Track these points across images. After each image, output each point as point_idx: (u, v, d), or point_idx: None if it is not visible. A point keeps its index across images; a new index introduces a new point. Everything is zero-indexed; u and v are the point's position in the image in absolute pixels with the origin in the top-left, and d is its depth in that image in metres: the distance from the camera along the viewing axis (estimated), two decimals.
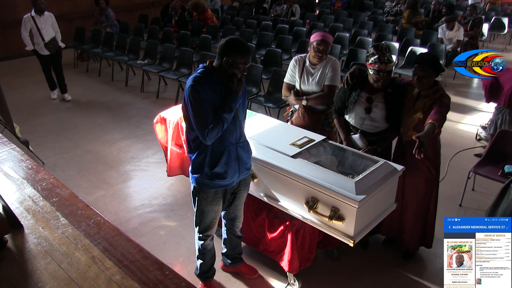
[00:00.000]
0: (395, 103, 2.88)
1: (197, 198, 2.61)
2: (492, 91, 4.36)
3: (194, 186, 2.57)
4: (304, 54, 3.37)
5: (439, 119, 2.59)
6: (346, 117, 3.05)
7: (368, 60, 2.80)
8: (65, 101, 6.60)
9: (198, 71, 2.36)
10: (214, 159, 2.41)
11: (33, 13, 6.14)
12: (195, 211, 2.70)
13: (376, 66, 2.74)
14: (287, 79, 3.43)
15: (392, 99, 2.88)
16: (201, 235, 2.77)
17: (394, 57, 2.96)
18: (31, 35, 6.22)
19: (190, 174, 2.54)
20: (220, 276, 3.10)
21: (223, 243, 3.04)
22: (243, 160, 2.50)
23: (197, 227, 2.75)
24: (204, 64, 2.39)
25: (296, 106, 3.44)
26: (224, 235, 3.00)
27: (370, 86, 2.91)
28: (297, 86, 3.36)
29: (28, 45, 6.28)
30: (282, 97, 3.58)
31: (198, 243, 2.82)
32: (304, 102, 3.29)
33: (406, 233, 3.15)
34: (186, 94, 2.31)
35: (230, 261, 3.06)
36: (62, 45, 6.47)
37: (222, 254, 3.08)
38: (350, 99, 2.97)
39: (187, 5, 9.10)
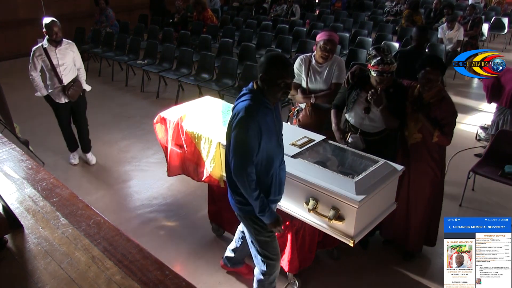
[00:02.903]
0: (395, 103, 2.88)
1: (253, 229, 2.39)
2: (493, 92, 4.36)
3: (248, 217, 2.35)
4: (309, 54, 3.42)
5: (444, 132, 2.76)
6: (346, 116, 3.06)
7: (370, 62, 2.77)
8: (89, 165, 4.72)
9: (247, 98, 2.13)
10: (263, 188, 2.25)
11: (45, 43, 4.18)
12: (254, 245, 2.46)
13: (380, 67, 2.72)
14: None
15: (393, 99, 2.87)
16: (273, 270, 2.49)
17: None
18: (43, 75, 4.37)
19: (237, 206, 2.35)
20: (220, 275, 3.10)
21: (232, 250, 2.93)
22: (283, 182, 2.41)
23: (266, 262, 2.45)
24: (251, 87, 2.18)
25: (302, 105, 3.47)
26: (237, 245, 2.88)
27: (370, 86, 2.90)
28: (304, 85, 3.39)
29: (40, 90, 4.33)
30: (289, 96, 3.57)
31: (269, 278, 2.53)
32: (312, 100, 3.33)
33: (411, 234, 3.14)
34: (235, 124, 2.10)
35: (232, 263, 3.03)
36: (87, 87, 4.56)
37: (226, 257, 3.02)
38: (350, 98, 2.97)
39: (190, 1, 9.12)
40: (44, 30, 4.12)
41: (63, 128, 4.58)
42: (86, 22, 9.23)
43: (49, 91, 4.32)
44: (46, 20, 4.12)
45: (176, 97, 6.47)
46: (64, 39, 4.24)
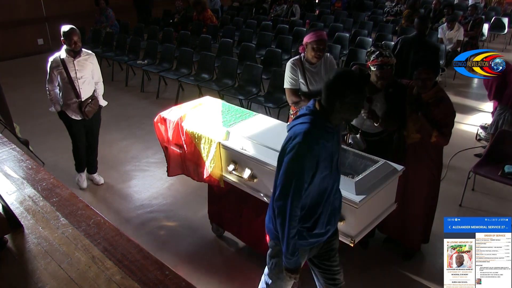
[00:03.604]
0: (396, 103, 2.88)
1: (276, 260, 2.15)
2: (497, 90, 4.36)
3: (280, 249, 2.07)
4: (298, 57, 3.33)
5: (443, 133, 2.76)
6: None
7: (370, 58, 2.80)
8: (97, 185, 4.34)
9: (307, 121, 1.89)
10: (310, 220, 2.02)
11: (63, 53, 3.77)
12: (268, 272, 2.25)
13: (379, 60, 2.74)
14: (289, 85, 3.34)
15: (393, 99, 2.87)
16: None
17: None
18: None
19: (276, 234, 2.08)
20: (220, 275, 3.10)
21: None
22: (338, 211, 2.18)
23: None
24: (312, 108, 1.93)
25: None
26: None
27: (370, 86, 2.90)
28: (304, 89, 3.33)
29: (55, 105, 3.91)
30: (290, 104, 3.50)
31: None
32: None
33: (408, 233, 3.16)
34: (289, 149, 1.87)
35: None
36: (104, 103, 4.15)
37: None
38: None
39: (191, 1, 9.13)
40: (62, 38, 3.72)
41: (77, 147, 4.11)
42: (86, 22, 9.22)
43: (64, 104, 3.91)
44: (65, 28, 3.71)
45: (176, 97, 6.47)
46: (83, 49, 3.84)
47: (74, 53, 3.75)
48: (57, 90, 3.88)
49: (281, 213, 1.91)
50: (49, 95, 3.89)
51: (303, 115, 1.94)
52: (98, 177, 4.37)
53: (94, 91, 3.98)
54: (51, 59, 3.79)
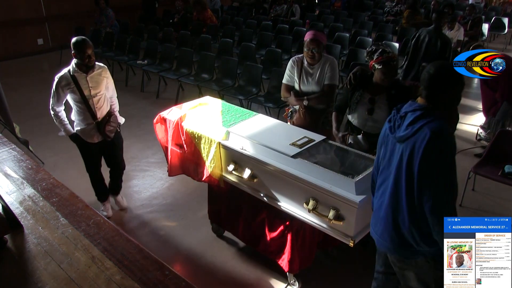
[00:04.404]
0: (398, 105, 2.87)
1: (428, 268, 2.06)
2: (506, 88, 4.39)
3: (424, 259, 2.00)
4: (301, 55, 3.39)
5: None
6: (349, 117, 3.05)
7: (373, 57, 2.79)
8: (120, 210, 3.90)
9: (433, 118, 1.84)
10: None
11: (73, 69, 3.23)
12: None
13: (384, 56, 2.74)
14: (285, 80, 3.46)
15: (396, 100, 2.87)
16: None
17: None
18: (67, 109, 3.39)
19: (412, 249, 2.00)
20: (220, 275, 3.10)
21: None
22: None
23: None
24: (422, 105, 1.89)
25: (296, 107, 3.45)
26: None
27: (373, 87, 2.90)
28: (297, 87, 3.37)
29: (65, 129, 3.37)
30: (282, 98, 3.59)
31: None
32: (305, 102, 3.30)
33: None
34: (438, 147, 1.80)
35: None
36: (122, 120, 3.67)
37: None
38: (353, 99, 2.97)
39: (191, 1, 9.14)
40: (72, 52, 3.18)
41: (93, 174, 3.62)
42: (86, 22, 9.24)
43: (77, 128, 3.37)
44: (76, 39, 3.20)
45: (176, 97, 6.47)
46: (96, 62, 3.31)
47: (87, 68, 3.23)
48: (64, 112, 3.36)
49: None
50: (56, 119, 3.33)
51: (423, 115, 1.87)
52: (121, 199, 3.87)
53: (110, 107, 3.51)
54: (58, 76, 3.23)
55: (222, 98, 4.68)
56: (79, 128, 3.37)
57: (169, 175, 3.42)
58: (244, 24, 8.88)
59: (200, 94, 5.85)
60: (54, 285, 1.73)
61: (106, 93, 3.42)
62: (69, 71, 3.24)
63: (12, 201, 2.25)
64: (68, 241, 1.96)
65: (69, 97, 3.29)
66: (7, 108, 4.19)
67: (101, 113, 3.38)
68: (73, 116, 3.39)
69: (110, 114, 3.45)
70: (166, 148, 3.33)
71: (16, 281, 1.78)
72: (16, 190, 2.36)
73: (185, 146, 3.13)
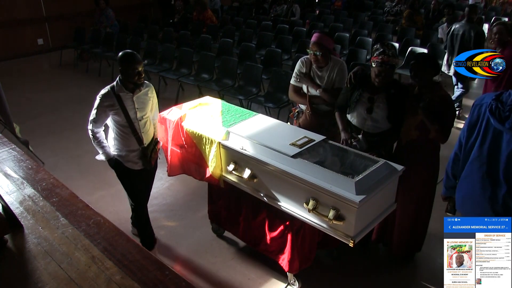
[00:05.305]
0: (397, 104, 2.88)
1: None
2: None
3: None
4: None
5: (443, 127, 2.75)
6: (348, 116, 3.05)
7: (373, 54, 2.82)
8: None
9: None
10: None
11: (118, 86, 2.82)
12: None
13: (380, 57, 2.75)
14: (293, 81, 3.38)
15: (394, 100, 2.87)
16: None
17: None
18: (105, 132, 3.01)
19: None
20: (220, 275, 3.10)
21: None
22: None
23: None
24: None
25: (303, 107, 3.43)
26: None
27: (372, 86, 2.91)
28: (305, 89, 3.33)
29: (104, 152, 2.98)
30: (290, 99, 3.52)
31: None
32: (319, 91, 3.22)
33: (396, 236, 3.10)
34: None
35: None
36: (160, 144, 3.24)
37: None
38: (352, 98, 2.97)
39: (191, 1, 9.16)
40: (119, 68, 2.79)
41: (142, 208, 3.23)
42: (86, 22, 9.23)
43: (119, 153, 2.98)
44: (125, 52, 2.81)
45: (176, 97, 6.47)
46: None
47: (135, 86, 2.82)
48: (103, 134, 2.98)
49: None
50: (94, 140, 2.94)
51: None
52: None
53: (155, 131, 3.14)
54: (101, 94, 2.84)
55: (222, 98, 4.68)
56: (120, 153, 2.97)
57: (169, 175, 3.42)
58: (244, 24, 8.89)
59: (200, 94, 5.85)
60: (54, 285, 1.73)
61: (151, 115, 3.05)
62: (112, 88, 2.84)
63: (12, 201, 2.24)
64: (68, 241, 1.96)
65: (109, 120, 2.90)
66: (7, 108, 4.18)
67: (147, 138, 3.00)
68: (112, 140, 3.00)
69: (156, 141, 3.11)
70: (166, 148, 3.33)
71: (16, 281, 1.78)
72: (16, 190, 2.36)
73: (185, 146, 3.13)
